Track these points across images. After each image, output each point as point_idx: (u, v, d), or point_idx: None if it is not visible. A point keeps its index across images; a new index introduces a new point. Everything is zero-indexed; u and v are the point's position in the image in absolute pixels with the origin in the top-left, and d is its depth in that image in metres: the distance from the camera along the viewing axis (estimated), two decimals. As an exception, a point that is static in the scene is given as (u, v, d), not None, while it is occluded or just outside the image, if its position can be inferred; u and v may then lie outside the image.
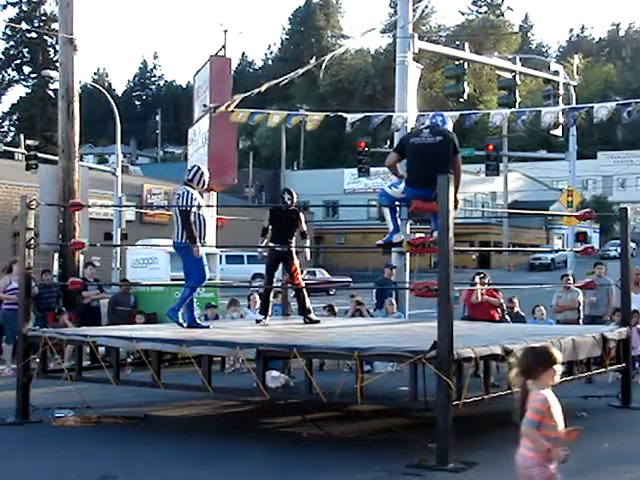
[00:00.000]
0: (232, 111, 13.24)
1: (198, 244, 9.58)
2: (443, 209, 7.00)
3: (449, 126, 8.77)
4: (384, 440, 8.17)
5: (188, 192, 9.70)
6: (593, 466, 7.13)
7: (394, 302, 14.11)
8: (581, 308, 13.44)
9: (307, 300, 10.99)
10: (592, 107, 11.44)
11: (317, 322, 10.89)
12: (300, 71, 12.36)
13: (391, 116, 13.76)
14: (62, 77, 15.74)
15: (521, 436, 4.37)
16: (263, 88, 12.97)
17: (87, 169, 18.88)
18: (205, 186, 10.08)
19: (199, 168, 10.06)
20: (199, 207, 9.74)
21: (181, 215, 9.62)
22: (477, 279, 13.05)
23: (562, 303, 13.51)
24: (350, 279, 37.08)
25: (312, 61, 12.77)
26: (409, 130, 13.26)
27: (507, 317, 13.25)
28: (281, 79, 12.71)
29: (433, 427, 6.81)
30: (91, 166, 36.14)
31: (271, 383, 8.95)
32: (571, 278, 14.62)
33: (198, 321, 10.05)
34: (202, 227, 9.75)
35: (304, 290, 11.12)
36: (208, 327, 9.95)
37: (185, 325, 9.72)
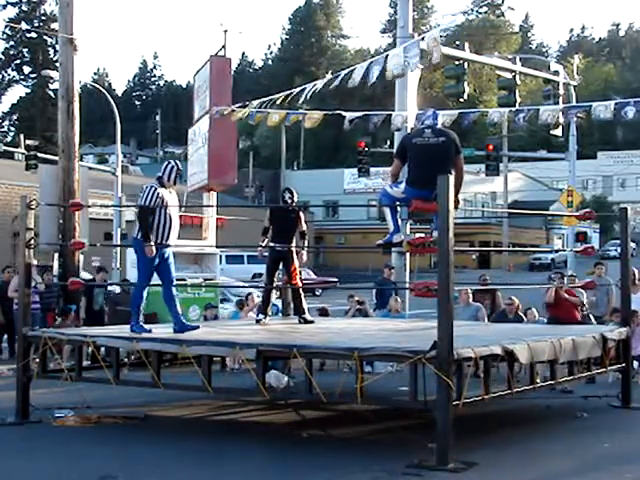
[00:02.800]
0: (232, 110, 13.24)
1: (151, 244, 8.93)
2: (443, 209, 7.00)
3: (439, 122, 8.75)
4: (384, 440, 8.16)
5: (152, 188, 9.07)
6: (593, 466, 7.14)
7: (399, 300, 14.08)
8: (583, 309, 13.42)
9: (303, 300, 11.02)
10: (590, 106, 11.42)
11: (312, 322, 10.91)
12: (319, 83, 12.37)
13: (390, 115, 13.75)
14: (62, 77, 15.75)
15: None
16: (280, 96, 12.95)
17: (87, 169, 18.89)
18: (176, 183, 9.31)
19: (171, 164, 9.35)
20: (165, 205, 9.04)
21: (137, 212, 9.13)
22: (556, 280, 12.93)
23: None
24: (336, 279, 36.50)
25: (328, 75, 12.80)
26: (409, 130, 13.24)
27: (591, 317, 12.95)
28: (297, 89, 12.69)
29: (433, 427, 6.80)
30: (91, 166, 36.12)
31: (274, 383, 8.98)
32: (575, 279, 14.57)
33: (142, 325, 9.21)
34: (165, 227, 9.08)
35: (301, 290, 11.15)
36: (150, 331, 9.10)
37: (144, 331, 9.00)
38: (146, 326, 9.32)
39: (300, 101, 12.33)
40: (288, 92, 12.65)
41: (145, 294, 9.37)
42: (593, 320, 12.83)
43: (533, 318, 13.00)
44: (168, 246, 9.22)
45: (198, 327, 9.40)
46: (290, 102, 12.49)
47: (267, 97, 13.04)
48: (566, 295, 12.79)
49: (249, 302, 13.93)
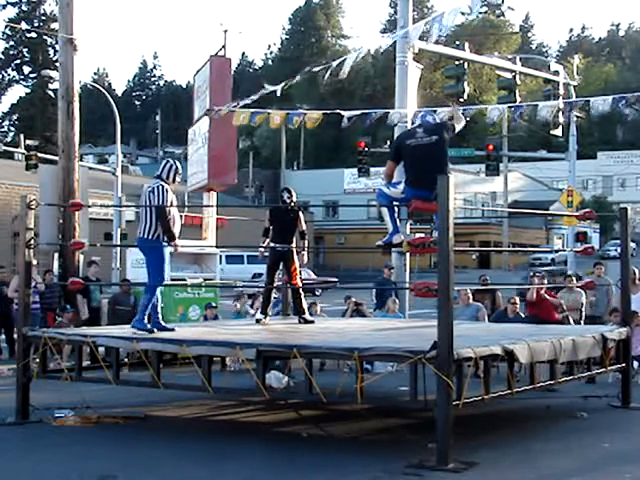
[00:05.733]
0: (233, 111, 13.26)
1: (178, 242, 9.00)
2: (443, 209, 7.00)
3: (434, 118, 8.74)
4: (384, 440, 8.16)
5: (162, 186, 9.02)
6: (593, 466, 7.14)
7: (397, 301, 14.12)
8: (583, 309, 13.45)
9: (303, 300, 11.02)
10: (588, 101, 11.45)
11: (312, 322, 10.90)
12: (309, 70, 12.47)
13: (389, 112, 13.77)
14: (62, 77, 15.73)
15: None
16: (268, 89, 13.01)
17: (87, 169, 18.88)
18: (176, 181, 9.31)
19: (170, 162, 9.33)
20: (171, 205, 9.07)
21: (157, 211, 8.96)
22: (536, 279, 13.02)
23: (565, 303, 13.51)
24: (336, 279, 36.35)
25: (316, 69, 12.88)
26: (408, 127, 13.22)
27: (569, 319, 13.04)
28: (286, 82, 12.75)
29: (433, 427, 6.80)
30: (91, 166, 36.16)
31: (274, 383, 8.99)
32: (574, 279, 14.58)
33: (163, 324, 9.32)
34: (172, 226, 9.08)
35: (301, 290, 11.14)
36: (173, 330, 9.22)
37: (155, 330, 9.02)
38: (169, 325, 9.40)
39: (287, 86, 12.37)
40: (278, 87, 12.73)
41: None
42: (571, 321, 12.99)
43: None
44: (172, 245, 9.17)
45: (153, 331, 9.02)
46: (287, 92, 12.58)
47: (262, 92, 13.04)
48: (547, 296, 12.88)
49: (256, 302, 14.00)
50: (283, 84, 12.92)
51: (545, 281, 13.35)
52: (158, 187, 9.06)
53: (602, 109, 11.20)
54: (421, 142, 8.30)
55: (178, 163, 9.45)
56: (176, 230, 9.18)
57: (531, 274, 13.69)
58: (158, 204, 8.96)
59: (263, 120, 13.12)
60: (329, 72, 12.22)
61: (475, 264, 53.74)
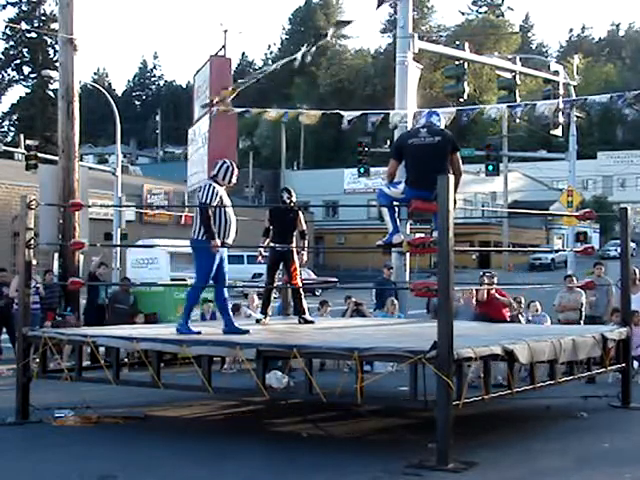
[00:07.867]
0: (232, 110, 13.27)
1: (217, 240, 8.77)
2: (443, 209, 6.99)
3: (442, 125, 8.74)
4: (384, 440, 8.16)
5: (210, 185, 8.94)
6: (593, 466, 7.14)
7: (396, 302, 14.12)
8: (583, 309, 13.47)
9: (303, 300, 11.01)
10: (586, 99, 11.44)
11: (312, 322, 10.89)
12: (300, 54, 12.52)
13: (389, 114, 13.77)
14: (62, 77, 15.74)
15: None
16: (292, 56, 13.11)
17: (87, 169, 18.89)
18: (232, 182, 9.19)
19: (227, 163, 9.20)
20: (222, 204, 8.91)
21: (200, 209, 8.86)
22: (485, 278, 13.08)
23: (565, 303, 13.54)
24: (336, 279, 36.18)
25: (303, 49, 12.98)
26: (408, 129, 13.21)
27: (520, 317, 13.12)
28: (282, 62, 12.83)
29: (433, 427, 6.80)
30: (91, 166, 36.13)
31: (274, 383, 8.98)
32: (574, 279, 14.58)
33: (190, 326, 9.12)
34: (225, 225, 8.95)
35: (301, 290, 11.13)
36: (199, 333, 8.93)
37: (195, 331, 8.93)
38: (194, 328, 9.11)
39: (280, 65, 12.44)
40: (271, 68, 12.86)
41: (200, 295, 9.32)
42: (522, 320, 13.06)
43: (535, 311, 13.22)
44: (228, 245, 9.11)
45: (248, 331, 9.04)
46: (276, 91, 12.77)
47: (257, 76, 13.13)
48: (497, 295, 12.92)
49: (249, 302, 14.00)
50: (301, 53, 12.96)
51: (495, 280, 13.38)
52: (205, 186, 9.00)
53: (599, 101, 11.20)
54: (423, 142, 8.27)
55: (234, 164, 9.32)
56: (232, 231, 9.06)
57: (480, 274, 13.72)
58: (201, 202, 8.87)
59: (259, 114, 13.14)
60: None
61: (475, 264, 53.73)
